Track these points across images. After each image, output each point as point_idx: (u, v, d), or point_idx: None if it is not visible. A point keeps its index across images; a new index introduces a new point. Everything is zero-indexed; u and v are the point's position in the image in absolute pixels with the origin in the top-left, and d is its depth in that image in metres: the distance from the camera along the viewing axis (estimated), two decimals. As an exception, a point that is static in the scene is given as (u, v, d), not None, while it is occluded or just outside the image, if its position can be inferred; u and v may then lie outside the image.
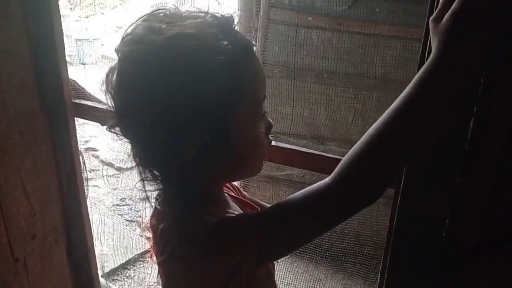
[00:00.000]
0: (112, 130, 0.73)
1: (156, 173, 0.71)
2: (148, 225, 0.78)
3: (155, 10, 0.68)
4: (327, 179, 0.64)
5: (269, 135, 0.75)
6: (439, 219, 0.79)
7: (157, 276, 0.79)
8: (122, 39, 0.67)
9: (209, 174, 0.71)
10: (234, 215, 0.72)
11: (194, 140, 0.65)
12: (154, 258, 0.76)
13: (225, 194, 0.83)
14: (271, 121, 0.74)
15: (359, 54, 2.46)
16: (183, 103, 0.62)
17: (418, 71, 0.75)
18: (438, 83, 0.59)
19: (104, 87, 0.69)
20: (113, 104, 0.69)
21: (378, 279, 0.89)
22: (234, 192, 0.88)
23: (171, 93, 0.62)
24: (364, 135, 0.63)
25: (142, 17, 0.68)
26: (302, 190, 0.67)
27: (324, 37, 2.56)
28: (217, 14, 0.67)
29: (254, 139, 0.71)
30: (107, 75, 0.69)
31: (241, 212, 0.81)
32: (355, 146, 0.63)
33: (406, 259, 0.84)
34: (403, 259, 0.85)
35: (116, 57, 0.68)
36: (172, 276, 0.73)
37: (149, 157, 0.69)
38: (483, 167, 0.75)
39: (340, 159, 0.90)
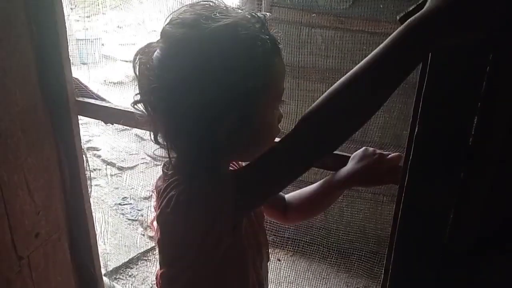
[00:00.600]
0: (135, 106, 0.81)
1: (177, 145, 0.80)
2: (153, 187, 0.87)
3: (200, 1, 0.76)
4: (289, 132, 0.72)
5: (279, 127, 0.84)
6: (443, 214, 0.79)
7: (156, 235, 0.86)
8: (171, 22, 0.75)
9: (224, 152, 0.78)
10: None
11: (224, 121, 0.73)
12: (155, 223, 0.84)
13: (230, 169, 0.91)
14: (282, 112, 0.83)
15: (361, 53, 2.46)
16: (224, 85, 0.71)
17: (420, 69, 0.75)
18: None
19: (138, 61, 0.78)
20: (148, 79, 0.76)
21: (382, 275, 0.89)
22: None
23: (217, 75, 0.70)
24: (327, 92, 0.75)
25: (189, 5, 0.76)
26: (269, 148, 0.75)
27: (326, 36, 2.56)
28: (253, 12, 0.75)
29: (271, 127, 0.81)
30: (145, 52, 0.77)
31: None
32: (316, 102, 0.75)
33: (410, 254, 0.85)
34: (407, 254, 0.85)
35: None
36: (167, 228, 0.80)
37: (177, 132, 0.77)
38: (486, 163, 0.75)
39: (342, 155, 0.93)
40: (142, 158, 4.12)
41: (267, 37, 0.74)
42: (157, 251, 2.68)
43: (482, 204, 0.78)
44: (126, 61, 6.65)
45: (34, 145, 1.31)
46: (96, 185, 3.48)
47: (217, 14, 0.72)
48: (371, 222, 2.54)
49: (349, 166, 0.96)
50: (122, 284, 2.63)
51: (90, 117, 1.39)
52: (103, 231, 2.97)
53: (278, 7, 2.67)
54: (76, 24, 6.96)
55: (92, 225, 1.55)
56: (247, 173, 0.76)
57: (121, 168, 3.94)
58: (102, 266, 1.69)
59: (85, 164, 1.48)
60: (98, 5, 7.24)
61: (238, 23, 0.72)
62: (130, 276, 2.71)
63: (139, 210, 3.33)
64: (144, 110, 0.80)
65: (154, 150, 0.87)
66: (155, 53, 0.76)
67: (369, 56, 0.68)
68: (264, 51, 0.73)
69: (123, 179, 3.78)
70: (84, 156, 1.44)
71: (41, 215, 1.36)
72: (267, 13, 0.77)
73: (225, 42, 0.71)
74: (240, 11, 0.76)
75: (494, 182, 0.76)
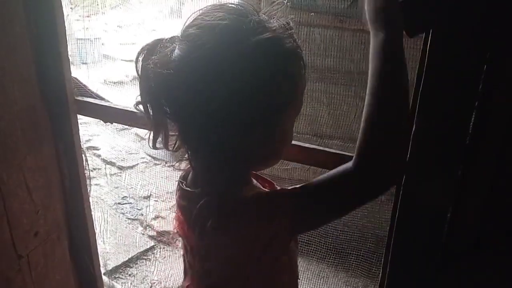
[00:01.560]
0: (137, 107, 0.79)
1: (197, 155, 0.79)
2: (176, 206, 0.85)
3: (227, 3, 0.74)
4: (349, 163, 0.71)
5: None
6: (441, 212, 0.79)
7: (188, 254, 0.87)
8: (199, 25, 0.72)
9: (248, 161, 0.78)
10: (267, 190, 0.82)
11: (253, 133, 0.72)
12: (182, 237, 0.86)
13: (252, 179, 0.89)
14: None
15: (361, 52, 2.46)
16: (256, 99, 0.70)
17: (418, 68, 0.75)
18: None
19: (144, 60, 0.75)
20: (164, 81, 0.72)
21: (380, 273, 0.89)
22: None
23: (251, 90, 0.69)
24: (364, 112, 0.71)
25: (215, 7, 0.73)
26: (330, 172, 0.74)
27: (325, 35, 2.56)
28: (285, 23, 0.74)
29: (290, 136, 0.80)
30: (154, 51, 0.75)
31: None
32: (361, 126, 0.70)
33: (408, 253, 0.85)
34: (405, 253, 0.85)
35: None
36: (212, 249, 0.79)
37: (202, 143, 0.75)
38: (484, 161, 0.75)
39: (339, 153, 0.93)
40: (142, 158, 4.12)
41: (299, 51, 0.74)
42: (156, 250, 2.65)
43: (480, 203, 0.78)
44: (126, 61, 6.66)
45: (33, 144, 1.31)
46: (96, 184, 3.49)
47: (255, 24, 0.70)
48: (370, 221, 2.54)
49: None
50: (122, 283, 2.63)
51: (89, 116, 1.39)
52: (103, 230, 2.97)
53: (277, 6, 2.67)
54: (76, 23, 6.97)
55: (92, 225, 1.55)
56: (309, 200, 0.74)
57: (121, 168, 3.94)
58: (101, 265, 1.69)
59: (84, 164, 1.48)
60: (98, 4, 7.25)
61: (278, 37, 0.71)
62: (129, 275, 2.71)
63: (138, 209, 3.33)
64: (150, 111, 0.78)
65: (165, 146, 0.85)
66: (175, 54, 0.73)
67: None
68: (296, 66, 0.74)
69: (123, 179, 3.78)
70: (83, 155, 1.44)
71: (40, 214, 1.36)
72: (290, 21, 0.75)
73: (264, 58, 0.69)
74: (272, 22, 0.73)
75: (492, 180, 0.76)
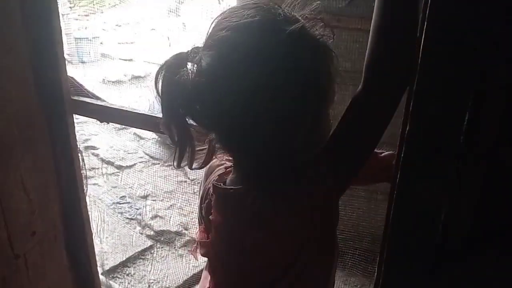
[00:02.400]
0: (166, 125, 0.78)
1: (243, 156, 0.80)
2: (215, 207, 0.84)
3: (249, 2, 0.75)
4: (359, 87, 0.75)
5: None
6: (435, 212, 0.79)
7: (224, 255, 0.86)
8: (228, 27, 0.71)
9: (293, 152, 0.77)
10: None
11: (302, 124, 0.74)
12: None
13: None
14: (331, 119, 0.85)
15: (358, 51, 2.46)
16: (295, 90, 0.71)
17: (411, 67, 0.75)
18: None
19: (171, 72, 0.74)
20: (205, 82, 0.72)
21: (376, 271, 0.89)
22: None
23: (293, 79, 0.71)
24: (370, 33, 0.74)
25: (240, 8, 0.74)
26: (346, 109, 0.78)
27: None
28: (308, 13, 0.76)
29: (330, 124, 0.83)
30: (195, 57, 0.73)
31: None
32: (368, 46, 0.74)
33: (403, 252, 0.85)
34: (400, 252, 0.85)
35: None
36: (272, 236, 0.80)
37: (244, 143, 0.76)
38: (478, 159, 0.75)
39: None
40: (140, 157, 4.12)
41: (328, 39, 0.77)
42: (154, 250, 2.66)
43: (475, 202, 0.78)
44: (125, 60, 6.67)
45: (30, 144, 1.31)
46: (93, 184, 3.49)
47: (285, 16, 0.72)
48: (365, 220, 2.55)
49: None
50: (120, 283, 2.63)
51: (85, 116, 1.40)
52: (100, 230, 2.97)
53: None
54: (75, 22, 6.97)
55: (89, 224, 1.55)
56: (333, 144, 0.78)
57: (119, 167, 3.94)
58: (99, 265, 1.69)
59: (81, 163, 1.48)
60: (96, 4, 7.24)
61: (308, 26, 0.74)
62: (127, 275, 2.72)
63: (137, 209, 3.33)
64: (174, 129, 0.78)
65: (190, 164, 0.84)
66: (208, 62, 0.72)
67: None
68: (329, 53, 0.76)
69: (121, 178, 3.78)
70: (80, 155, 1.45)
71: (37, 214, 1.37)
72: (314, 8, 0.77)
73: (301, 48, 0.71)
74: (298, 12, 0.75)
75: (486, 180, 0.76)
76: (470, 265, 0.81)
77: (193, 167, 0.83)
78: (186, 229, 3.13)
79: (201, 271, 2.84)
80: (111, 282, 2.53)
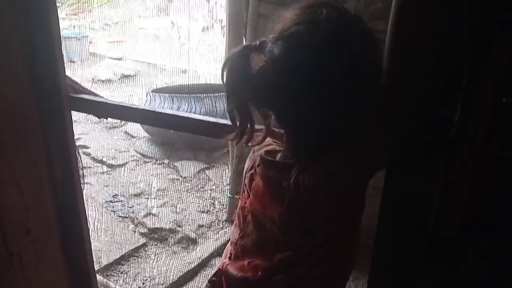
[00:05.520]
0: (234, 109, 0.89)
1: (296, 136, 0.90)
2: (261, 177, 0.94)
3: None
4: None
5: None
6: (427, 204, 0.81)
7: (255, 227, 0.97)
8: (301, 22, 0.80)
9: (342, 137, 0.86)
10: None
11: (348, 114, 0.82)
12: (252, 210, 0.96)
13: None
14: None
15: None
16: (355, 82, 0.79)
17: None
18: None
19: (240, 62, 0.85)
20: (273, 77, 0.82)
21: (370, 262, 0.91)
22: None
23: (352, 74, 0.78)
24: None
25: (308, 6, 0.82)
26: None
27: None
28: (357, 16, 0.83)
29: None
30: (266, 48, 0.84)
31: None
32: None
33: (396, 243, 0.86)
34: (393, 242, 0.87)
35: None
36: (314, 206, 0.87)
37: (301, 124, 0.87)
38: (468, 152, 0.77)
39: None
40: (132, 156, 4.11)
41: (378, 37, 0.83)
42: (148, 247, 2.66)
43: (466, 192, 0.80)
44: (114, 59, 6.63)
45: (23, 141, 1.31)
46: (86, 183, 3.47)
47: (353, 14, 0.81)
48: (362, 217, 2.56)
49: None
50: (114, 280, 2.63)
51: (82, 112, 1.40)
52: (93, 229, 2.97)
53: (265, 3, 2.68)
54: (63, 22, 6.91)
55: (85, 221, 1.55)
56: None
57: (111, 166, 3.93)
58: (94, 262, 1.69)
59: (78, 161, 1.48)
60: (85, 2, 7.19)
61: (368, 28, 0.82)
62: (121, 272, 2.71)
63: (130, 207, 3.33)
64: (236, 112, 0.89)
65: (247, 141, 0.94)
66: (280, 52, 0.81)
67: None
68: (382, 47, 0.80)
69: (113, 177, 3.77)
70: (77, 152, 1.45)
71: (31, 211, 1.36)
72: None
73: (368, 44, 0.80)
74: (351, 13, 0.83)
75: (476, 171, 0.78)
76: (460, 255, 0.83)
77: (249, 144, 0.95)
78: (179, 226, 3.14)
79: (195, 268, 2.83)
80: (105, 280, 2.53)
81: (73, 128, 1.43)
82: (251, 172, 1.00)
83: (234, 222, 1.06)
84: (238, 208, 1.05)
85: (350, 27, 0.80)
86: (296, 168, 0.86)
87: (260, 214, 0.95)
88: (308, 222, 0.89)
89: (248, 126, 0.91)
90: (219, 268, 1.07)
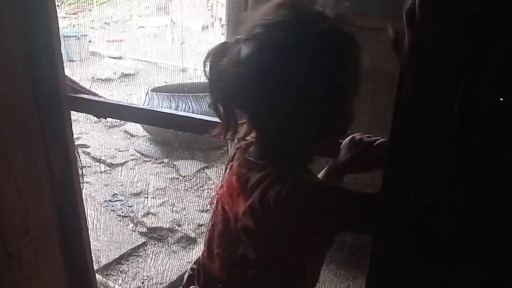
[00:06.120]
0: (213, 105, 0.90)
1: (266, 135, 0.89)
2: (232, 173, 0.95)
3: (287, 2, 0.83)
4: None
5: None
6: (426, 205, 0.81)
7: (222, 222, 0.97)
8: (264, 25, 0.81)
9: (315, 139, 0.88)
10: (329, 185, 0.95)
11: (316, 113, 0.82)
12: (223, 204, 0.95)
13: None
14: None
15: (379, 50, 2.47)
16: (318, 82, 0.79)
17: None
18: None
19: (214, 61, 0.86)
20: (237, 76, 0.83)
21: (369, 262, 0.91)
22: None
23: (313, 73, 0.78)
24: None
25: (277, 6, 0.82)
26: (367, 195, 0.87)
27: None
28: (340, 12, 0.83)
29: (353, 115, 0.89)
30: (222, 52, 0.85)
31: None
32: None
33: (395, 242, 0.86)
34: (392, 242, 0.87)
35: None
36: (270, 220, 0.85)
37: (268, 124, 0.86)
38: (467, 152, 0.77)
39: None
40: (132, 155, 4.11)
41: (355, 35, 0.83)
42: (147, 246, 2.66)
43: (466, 192, 0.80)
44: (114, 58, 6.62)
45: (23, 141, 1.31)
46: (85, 182, 3.48)
47: (314, 16, 0.80)
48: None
49: (340, 156, 1.02)
50: (113, 280, 2.63)
51: (82, 112, 1.40)
52: (93, 228, 2.97)
53: (265, 1, 2.67)
54: (63, 21, 6.91)
55: (85, 221, 1.55)
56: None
57: (110, 165, 3.93)
58: (94, 262, 1.69)
59: (78, 160, 1.48)
60: (84, 1, 7.19)
61: (335, 24, 0.80)
62: (121, 272, 2.72)
63: (129, 206, 3.33)
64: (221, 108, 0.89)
65: (232, 136, 0.94)
66: (244, 54, 0.82)
67: None
68: (354, 48, 0.82)
69: (113, 176, 3.77)
70: (76, 152, 1.45)
71: (30, 212, 1.36)
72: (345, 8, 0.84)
73: (326, 45, 0.79)
74: (328, 11, 0.82)
75: (475, 172, 0.78)
76: (462, 254, 0.83)
77: (235, 138, 0.95)
78: (178, 226, 3.14)
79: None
80: (105, 279, 2.53)
81: (73, 128, 1.43)
82: (231, 163, 1.01)
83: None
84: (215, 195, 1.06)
85: (311, 28, 0.78)
86: (265, 174, 0.85)
87: (228, 208, 0.95)
88: (266, 230, 0.88)
89: (232, 120, 0.91)
90: (199, 257, 1.09)
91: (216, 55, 0.86)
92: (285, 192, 0.81)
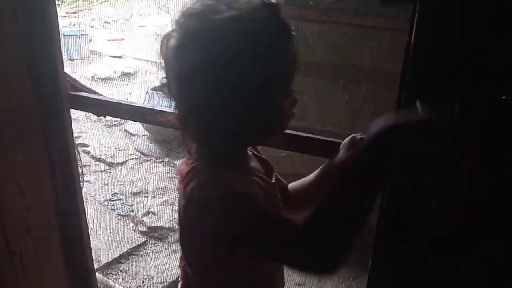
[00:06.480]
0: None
1: (196, 132, 0.84)
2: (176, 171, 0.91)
3: None
4: (300, 230, 0.73)
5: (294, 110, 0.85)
6: (427, 203, 0.81)
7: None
8: (184, 13, 0.79)
9: (241, 138, 0.83)
10: (243, 192, 0.78)
11: (236, 108, 0.76)
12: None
13: (248, 152, 0.94)
14: (296, 98, 0.84)
15: (347, 46, 2.48)
16: (231, 73, 0.74)
17: (404, 64, 0.77)
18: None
19: (160, 52, 0.83)
20: (170, 67, 0.82)
21: (370, 261, 0.91)
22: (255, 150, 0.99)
23: (225, 66, 0.74)
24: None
25: None
26: (286, 223, 0.77)
27: (313, 30, 2.57)
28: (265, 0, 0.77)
29: (281, 111, 0.83)
30: (163, 41, 0.82)
31: (260, 169, 0.93)
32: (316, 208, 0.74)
33: (395, 243, 0.87)
34: (393, 243, 0.87)
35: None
36: (186, 219, 0.85)
37: (195, 118, 0.81)
38: (468, 151, 0.77)
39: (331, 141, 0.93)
40: (132, 154, 4.11)
41: (273, 25, 0.76)
42: (148, 246, 2.66)
43: (466, 192, 0.80)
44: (114, 57, 6.62)
45: (24, 141, 1.31)
46: (85, 181, 3.48)
47: (223, 6, 0.75)
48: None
49: (340, 155, 1.00)
50: (114, 279, 2.63)
51: (82, 110, 1.41)
52: (94, 227, 2.97)
53: (265, 1, 2.67)
54: (63, 20, 6.90)
55: (85, 220, 1.56)
56: (260, 228, 0.76)
57: (110, 164, 3.93)
58: (94, 261, 1.69)
59: (78, 159, 1.48)
60: (84, 0, 7.17)
61: (242, 14, 0.74)
62: (121, 271, 2.72)
63: (129, 205, 3.33)
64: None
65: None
66: (171, 42, 0.80)
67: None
68: (272, 39, 0.76)
69: (113, 175, 3.77)
70: (76, 150, 1.45)
71: (32, 211, 1.37)
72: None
73: (231, 34, 0.74)
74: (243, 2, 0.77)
75: (475, 172, 0.78)
76: (463, 254, 0.83)
77: None
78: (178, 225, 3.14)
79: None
80: (105, 278, 2.54)
81: (73, 127, 1.43)
82: None
83: None
84: None
85: (216, 17, 0.74)
86: (191, 168, 0.83)
87: (179, 200, 0.91)
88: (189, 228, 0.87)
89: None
90: None
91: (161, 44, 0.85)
92: (190, 188, 0.79)
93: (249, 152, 0.95)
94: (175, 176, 0.93)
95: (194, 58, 0.75)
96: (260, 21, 0.75)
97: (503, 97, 0.72)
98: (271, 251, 0.78)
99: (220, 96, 0.75)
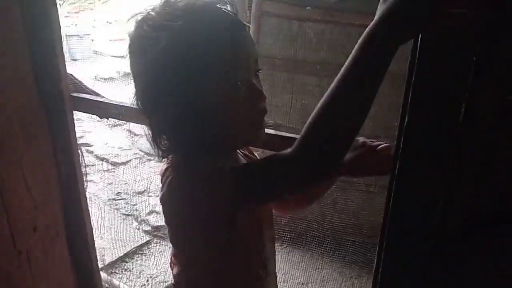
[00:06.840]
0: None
1: (169, 142, 0.87)
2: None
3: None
4: (290, 150, 0.71)
5: (262, 105, 0.82)
6: (433, 200, 0.81)
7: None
8: (135, 23, 0.86)
9: (208, 132, 0.80)
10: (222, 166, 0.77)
11: (194, 102, 0.77)
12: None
13: (238, 154, 0.93)
14: (259, 89, 0.81)
15: (351, 46, 2.47)
16: (179, 69, 0.76)
17: (409, 61, 0.77)
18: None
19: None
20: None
21: (375, 260, 0.91)
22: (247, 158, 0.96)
23: (172, 66, 0.76)
24: (318, 105, 0.74)
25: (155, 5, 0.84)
26: (270, 156, 0.76)
27: (317, 29, 2.58)
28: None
29: (238, 105, 0.79)
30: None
31: None
32: (311, 115, 0.73)
33: (401, 241, 0.87)
34: (399, 241, 0.88)
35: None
36: (170, 210, 0.83)
37: (164, 128, 0.85)
38: (473, 150, 0.78)
39: None
40: (135, 153, 4.12)
41: (223, 19, 0.78)
42: (152, 245, 2.67)
43: (471, 190, 0.80)
44: (116, 57, 6.63)
45: (31, 141, 1.32)
46: (89, 181, 3.48)
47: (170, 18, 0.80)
48: (362, 213, 2.58)
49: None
50: (118, 278, 2.64)
51: (84, 112, 1.41)
52: (99, 226, 2.98)
53: (269, 1, 2.68)
54: (65, 20, 6.92)
55: (89, 220, 1.56)
56: (250, 175, 0.76)
57: (114, 164, 3.94)
58: (98, 260, 1.70)
59: (80, 160, 1.49)
60: (86, 0, 7.19)
61: (190, 29, 0.76)
62: (126, 270, 2.73)
63: (133, 204, 3.34)
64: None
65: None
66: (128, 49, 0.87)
67: (345, 65, 0.74)
68: (220, 32, 0.76)
69: (117, 175, 3.79)
70: (79, 151, 1.46)
71: (39, 210, 1.38)
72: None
73: (177, 46, 0.76)
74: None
75: (481, 169, 0.79)
76: (467, 251, 0.84)
77: None
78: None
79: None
80: (110, 277, 2.55)
81: (76, 127, 1.44)
82: None
83: None
84: None
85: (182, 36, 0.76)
86: (169, 161, 0.86)
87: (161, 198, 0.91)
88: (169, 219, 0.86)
89: None
90: None
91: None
92: (171, 178, 0.79)
93: (239, 154, 0.93)
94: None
95: (152, 61, 0.80)
96: (223, 12, 0.79)
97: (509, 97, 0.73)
98: (274, 184, 0.75)
99: (169, 100, 0.79)
